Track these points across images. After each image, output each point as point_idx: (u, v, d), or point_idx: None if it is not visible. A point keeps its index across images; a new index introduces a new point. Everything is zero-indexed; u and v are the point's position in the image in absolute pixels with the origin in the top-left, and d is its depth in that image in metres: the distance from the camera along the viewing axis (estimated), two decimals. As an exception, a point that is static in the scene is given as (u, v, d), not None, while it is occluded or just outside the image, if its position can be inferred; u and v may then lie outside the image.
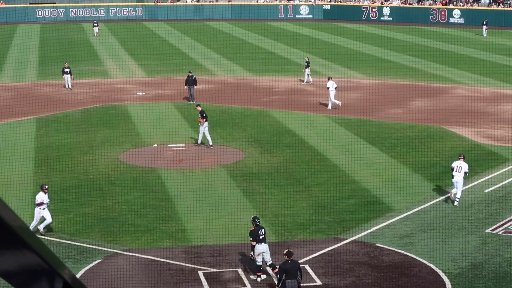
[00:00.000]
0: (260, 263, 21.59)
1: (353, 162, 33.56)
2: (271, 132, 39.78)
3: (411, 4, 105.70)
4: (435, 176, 31.83)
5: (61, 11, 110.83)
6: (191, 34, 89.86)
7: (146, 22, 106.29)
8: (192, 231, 25.55)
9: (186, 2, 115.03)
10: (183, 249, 24.04)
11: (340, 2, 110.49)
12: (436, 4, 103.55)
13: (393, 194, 29.19)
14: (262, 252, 21.49)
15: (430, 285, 21.32)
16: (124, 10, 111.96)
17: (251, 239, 21.58)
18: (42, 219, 25.28)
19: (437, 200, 28.74)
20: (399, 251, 23.73)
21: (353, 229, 25.63)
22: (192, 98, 46.53)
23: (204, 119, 36.38)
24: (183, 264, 22.90)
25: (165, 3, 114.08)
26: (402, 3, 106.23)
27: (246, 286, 21.37)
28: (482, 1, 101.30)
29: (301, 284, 21.15)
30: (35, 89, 54.21)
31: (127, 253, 23.75)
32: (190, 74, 47.65)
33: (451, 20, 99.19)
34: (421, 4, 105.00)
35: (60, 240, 24.77)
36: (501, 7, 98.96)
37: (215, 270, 22.42)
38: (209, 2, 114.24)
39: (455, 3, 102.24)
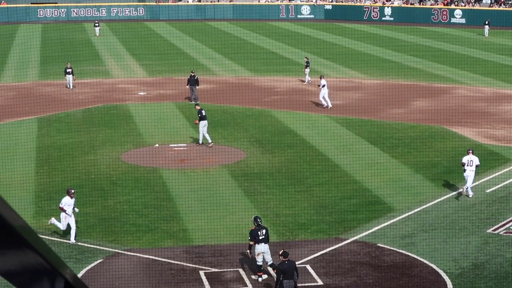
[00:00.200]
0: (261, 263, 21.60)
1: (355, 162, 33.56)
2: (272, 132, 39.78)
3: (413, 4, 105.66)
4: (436, 176, 31.82)
5: (62, 11, 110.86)
6: (192, 34, 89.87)
7: (148, 22, 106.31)
8: (194, 231, 25.56)
9: (188, 2, 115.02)
10: (184, 249, 24.05)
11: (342, 2, 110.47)
12: (437, 4, 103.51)
13: (395, 194, 29.20)
14: (262, 252, 21.49)
15: (431, 285, 21.32)
16: (126, 10, 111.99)
17: (249, 238, 21.62)
18: (69, 227, 24.52)
19: (439, 200, 28.74)
20: (401, 251, 23.73)
21: (354, 229, 25.64)
22: (196, 98, 46.38)
23: (199, 119, 36.48)
24: (185, 264, 22.91)
25: (166, 3, 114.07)
26: (404, 3, 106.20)
27: (247, 286, 21.38)
28: (484, 1, 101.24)
29: (303, 284, 21.19)
30: (37, 89, 54.23)
31: (129, 253, 23.76)
32: (193, 74, 47.63)
33: (453, 20, 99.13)
34: (422, 4, 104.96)
35: (62, 240, 24.78)
36: (502, 7, 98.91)
37: (216, 270, 22.43)
38: (211, 2, 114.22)
39: (456, 3, 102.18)
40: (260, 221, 21.90)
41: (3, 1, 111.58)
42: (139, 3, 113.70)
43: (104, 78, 58.95)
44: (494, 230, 25.51)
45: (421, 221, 26.42)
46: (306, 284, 21.35)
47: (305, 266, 22.52)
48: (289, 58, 69.08)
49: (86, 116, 44.88)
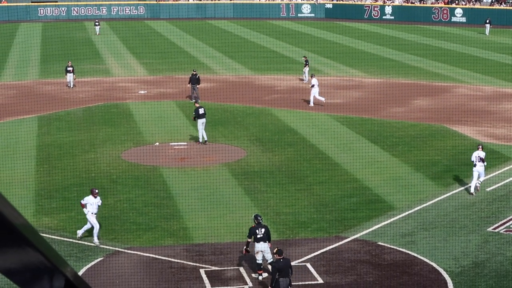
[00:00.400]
0: (261, 261, 21.61)
1: (355, 160, 33.56)
2: (273, 131, 39.78)
3: (413, 3, 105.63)
4: (436, 174, 31.83)
5: (63, 9, 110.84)
6: (193, 32, 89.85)
7: (148, 21, 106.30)
8: (194, 229, 25.56)
9: (188, 0, 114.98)
10: (184, 247, 24.06)
11: (342, 1, 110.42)
12: (438, 3, 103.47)
13: (395, 192, 29.20)
14: (261, 250, 21.48)
15: (432, 283, 21.33)
16: (126, 9, 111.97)
17: (247, 235, 21.65)
18: (87, 224, 24.32)
19: (439, 198, 28.74)
20: (401, 249, 23.74)
21: (354, 228, 25.64)
22: (196, 97, 46.26)
23: (194, 117, 36.64)
24: (185, 262, 22.92)
25: (167, 2, 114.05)
26: (404, 2, 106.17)
27: (247, 284, 21.39)
28: (484, 0, 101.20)
29: (303, 283, 21.22)
30: (37, 87, 54.23)
31: (129, 251, 23.77)
32: (194, 73, 47.62)
33: (453, 19, 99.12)
34: (423, 3, 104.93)
35: (62, 238, 24.78)
36: (503, 6, 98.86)
37: (216, 268, 22.43)
38: (211, 0, 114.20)
39: (457, 2, 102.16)
40: (261, 219, 21.89)
41: (3, 0, 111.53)
42: (139, 2, 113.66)
43: (105, 77, 58.94)
44: (495, 228, 25.51)
45: (422, 220, 26.42)
46: (307, 283, 21.36)
47: (305, 265, 22.53)
48: (290, 57, 69.06)
49: (86, 114, 44.88)
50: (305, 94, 49.14)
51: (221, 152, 35.07)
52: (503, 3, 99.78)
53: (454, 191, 29.53)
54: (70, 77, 52.77)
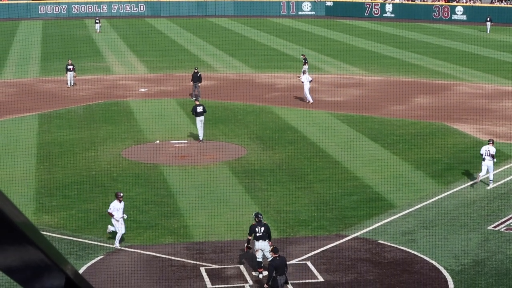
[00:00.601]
0: (261, 260, 21.60)
1: (355, 158, 33.57)
2: (273, 129, 39.78)
3: (414, 1, 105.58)
4: (437, 173, 31.83)
5: (63, 7, 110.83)
6: (193, 30, 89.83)
7: (149, 19, 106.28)
8: (194, 227, 25.57)
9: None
10: (185, 246, 24.06)
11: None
12: (438, 1, 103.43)
13: (395, 190, 29.20)
14: (261, 249, 21.46)
15: (432, 281, 21.34)
16: (127, 7, 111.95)
17: (248, 232, 21.67)
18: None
19: (439, 197, 28.74)
20: (401, 247, 23.74)
21: (355, 226, 25.64)
22: (197, 95, 46.22)
23: (192, 113, 36.78)
24: (185, 260, 22.92)
25: (167, 0, 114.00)
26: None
27: (248, 283, 21.39)
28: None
29: (303, 281, 21.23)
30: (38, 85, 54.23)
31: (129, 249, 23.77)
32: (196, 71, 47.63)
33: (454, 17, 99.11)
34: (423, 1, 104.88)
35: (63, 236, 24.79)
36: (504, 4, 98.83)
37: (217, 266, 22.44)
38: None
39: (457, 0, 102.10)
40: (261, 218, 21.87)
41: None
42: (140, 0, 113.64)
43: (105, 75, 58.94)
44: (495, 227, 25.51)
45: (422, 218, 26.43)
46: (307, 281, 21.37)
47: (305, 263, 22.54)
48: (290, 55, 69.02)
49: (87, 112, 44.88)
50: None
51: (222, 150, 35.07)
52: (503, 1, 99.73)
53: (455, 189, 29.54)
54: (70, 75, 52.71)
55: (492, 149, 29.71)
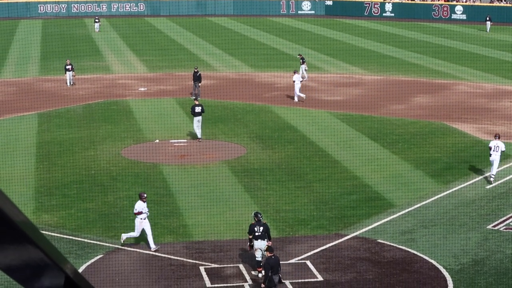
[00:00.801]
0: (260, 259, 21.59)
1: (355, 158, 33.57)
2: (272, 128, 39.78)
3: (413, 0, 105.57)
4: (436, 172, 31.84)
5: (63, 6, 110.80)
6: (193, 29, 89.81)
7: (148, 18, 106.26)
8: (194, 226, 25.57)
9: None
10: (184, 245, 24.07)
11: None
12: (438, 0, 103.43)
13: (395, 190, 29.20)
14: (259, 248, 21.46)
15: (431, 281, 21.34)
16: (126, 6, 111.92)
17: (248, 231, 21.69)
18: (143, 231, 23.58)
19: (439, 196, 28.75)
20: (401, 247, 23.75)
21: (354, 225, 25.65)
22: (197, 94, 46.19)
23: (191, 113, 36.83)
24: (185, 259, 22.93)
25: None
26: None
27: (247, 282, 21.40)
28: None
29: (303, 280, 21.25)
30: (37, 84, 54.21)
31: (129, 249, 23.78)
32: (196, 70, 47.65)
33: (453, 16, 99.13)
34: (423, 0, 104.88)
35: (62, 236, 24.79)
36: (503, 3, 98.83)
37: (216, 265, 22.44)
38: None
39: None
40: (261, 217, 21.85)
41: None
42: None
43: (105, 74, 58.93)
44: (494, 226, 25.52)
45: (421, 217, 26.43)
46: (306, 280, 21.37)
47: (305, 262, 22.54)
48: (290, 54, 69.01)
49: (86, 111, 44.88)
50: (304, 91, 49.13)
51: (221, 149, 35.06)
52: (503, 0, 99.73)
53: (454, 189, 29.55)
54: (69, 75, 52.68)
55: (501, 145, 30.05)
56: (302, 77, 54.51)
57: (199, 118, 36.83)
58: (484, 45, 73.13)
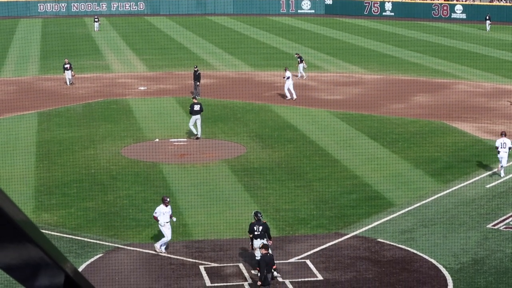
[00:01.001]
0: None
1: (355, 157, 33.56)
2: (272, 127, 39.78)
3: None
4: (436, 171, 31.84)
5: (63, 5, 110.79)
6: (193, 28, 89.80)
7: (148, 17, 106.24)
8: (194, 225, 25.57)
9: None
10: (184, 244, 24.07)
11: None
12: (438, 0, 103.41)
13: (395, 189, 29.20)
14: (259, 247, 21.43)
15: (431, 280, 21.34)
16: (126, 5, 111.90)
17: (248, 230, 21.68)
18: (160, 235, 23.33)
19: (439, 195, 28.75)
20: (400, 246, 23.75)
21: (354, 224, 25.65)
22: (197, 93, 46.14)
23: (190, 112, 36.88)
24: (184, 258, 22.93)
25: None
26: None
27: (246, 281, 21.40)
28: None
29: (303, 279, 21.26)
30: (37, 83, 54.21)
31: (129, 248, 23.78)
32: (195, 69, 47.65)
33: (453, 15, 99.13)
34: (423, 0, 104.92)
35: (62, 235, 24.78)
36: (503, 3, 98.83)
37: (216, 264, 22.45)
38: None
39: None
40: (261, 216, 21.84)
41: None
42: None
43: (104, 73, 58.92)
44: (494, 225, 25.52)
45: (421, 216, 26.43)
46: (306, 279, 21.37)
47: (305, 261, 22.55)
48: (290, 53, 68.96)
49: (86, 110, 44.87)
50: (304, 90, 49.17)
51: (221, 148, 35.05)
52: (502, 0, 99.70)
53: (454, 188, 29.55)
54: (68, 74, 52.65)
55: (508, 142, 30.32)
56: (301, 76, 54.55)
57: (198, 116, 36.83)
58: (483, 44, 73.14)
